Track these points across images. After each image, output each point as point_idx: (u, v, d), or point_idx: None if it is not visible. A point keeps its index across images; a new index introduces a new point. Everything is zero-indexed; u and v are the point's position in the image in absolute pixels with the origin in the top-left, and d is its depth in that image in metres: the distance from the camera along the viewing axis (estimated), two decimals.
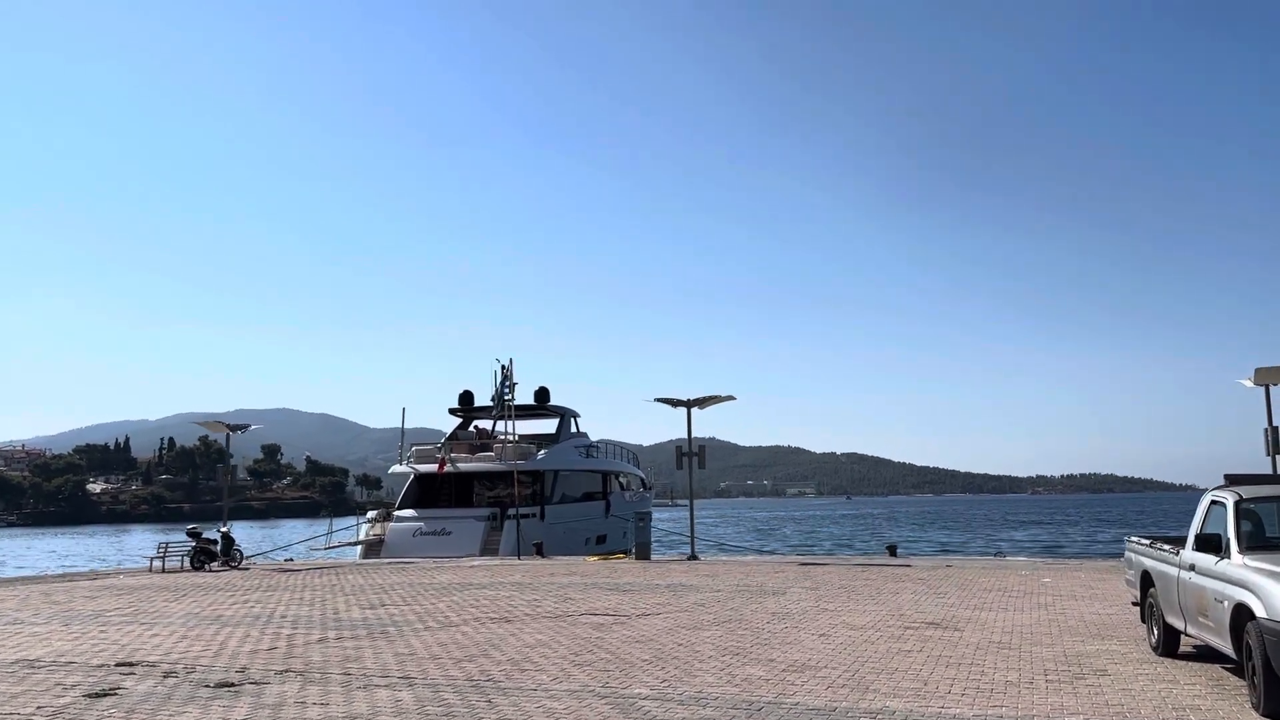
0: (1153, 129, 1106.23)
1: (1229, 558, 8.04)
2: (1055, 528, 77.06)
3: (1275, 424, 21.77)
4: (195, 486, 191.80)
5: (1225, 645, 7.98)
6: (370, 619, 13.92)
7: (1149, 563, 10.27)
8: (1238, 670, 8.89)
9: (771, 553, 39.15)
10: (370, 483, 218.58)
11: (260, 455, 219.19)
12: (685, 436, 27.63)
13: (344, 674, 9.50)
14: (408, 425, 40.82)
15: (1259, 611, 7.18)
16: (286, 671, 9.67)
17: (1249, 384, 22.28)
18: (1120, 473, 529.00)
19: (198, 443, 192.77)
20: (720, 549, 46.01)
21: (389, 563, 28.14)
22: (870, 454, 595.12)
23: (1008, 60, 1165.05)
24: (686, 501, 31.47)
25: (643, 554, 27.25)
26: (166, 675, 9.52)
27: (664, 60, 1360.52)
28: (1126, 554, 11.51)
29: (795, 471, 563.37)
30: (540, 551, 29.56)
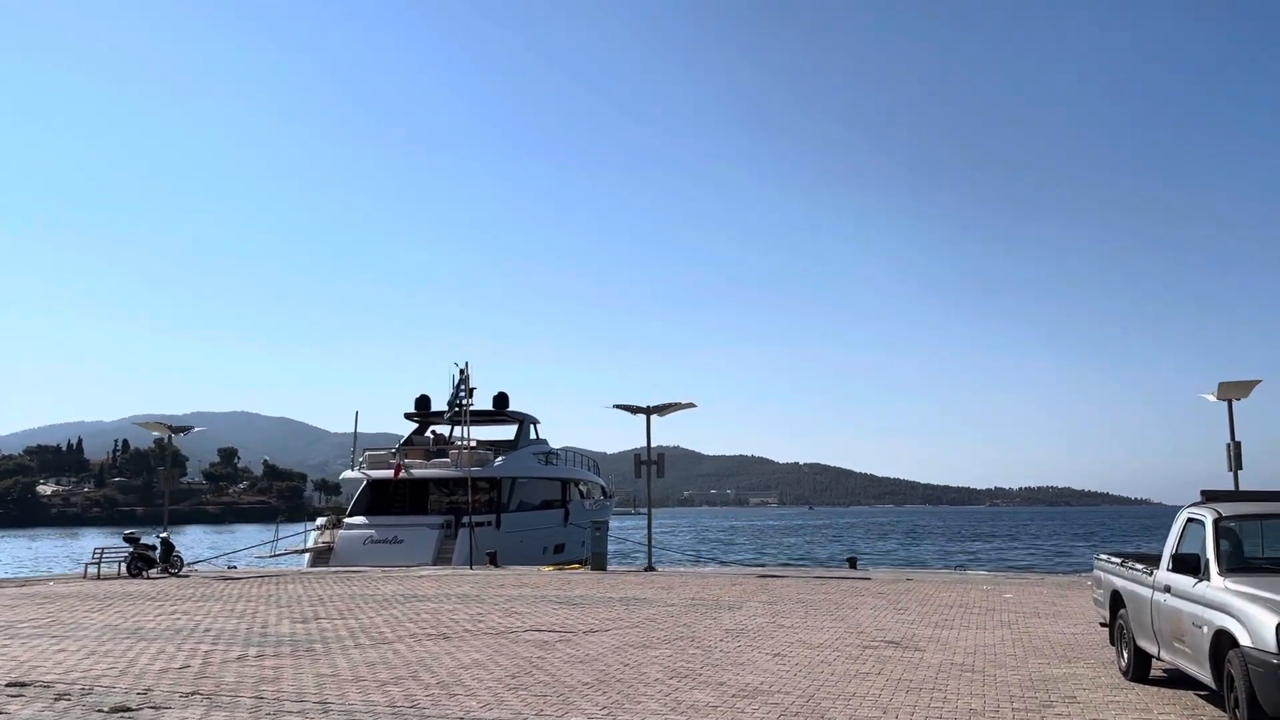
0: (1121, 132, 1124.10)
1: (1208, 580, 7.51)
2: (1014, 541, 77.30)
3: (1238, 439, 21.55)
4: (150, 489, 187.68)
5: (1204, 674, 7.44)
6: (299, 634, 13.08)
7: (1119, 582, 9.75)
8: (1213, 699, 8.39)
9: (731, 564, 38.57)
10: (329, 488, 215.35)
11: (217, 459, 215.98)
12: (653, 443, 26.98)
13: (255, 698, 8.70)
14: (367, 430, 39.98)
15: (1243, 640, 6.65)
16: (193, 695, 8.86)
17: (1212, 398, 22.04)
18: (1077, 486, 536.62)
19: (152, 445, 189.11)
20: (679, 560, 45.44)
21: (334, 572, 27.18)
22: (833, 465, 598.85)
23: (980, 60, 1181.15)
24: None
25: (598, 564, 26.52)
26: (59, 698, 8.67)
27: (635, 60, 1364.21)
28: (1095, 572, 10.99)
29: (758, 481, 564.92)
30: (494, 561, 28.75)
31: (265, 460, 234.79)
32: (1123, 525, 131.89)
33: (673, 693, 8.86)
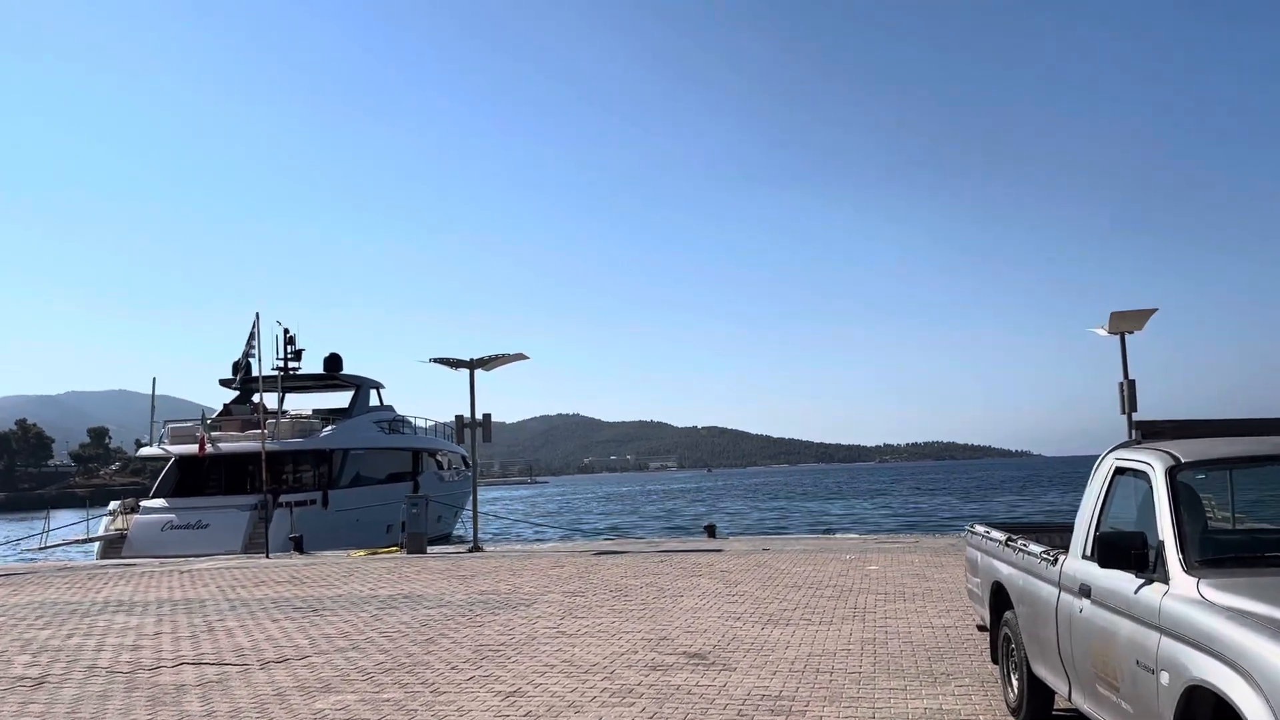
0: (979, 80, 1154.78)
1: (1166, 581, 4.02)
2: (898, 497, 76.12)
3: (1132, 377, 18.83)
4: (13, 474, 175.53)
5: None
6: None
7: (1005, 570, 6.27)
8: None
9: (582, 537, 35.00)
10: None
11: (87, 439, 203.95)
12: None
13: None
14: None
15: (1249, 710, 3.15)
16: None
17: (1103, 332, 19.28)
18: (960, 440, 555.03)
19: (14, 427, 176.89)
20: (541, 534, 41.89)
21: (94, 567, 22.60)
22: (730, 427, 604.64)
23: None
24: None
25: (415, 547, 22.54)
26: None
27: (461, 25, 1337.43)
28: (969, 551, 7.57)
29: (658, 445, 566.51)
30: (299, 546, 24.48)
31: (137, 440, 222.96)
32: (998, 476, 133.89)
33: None
